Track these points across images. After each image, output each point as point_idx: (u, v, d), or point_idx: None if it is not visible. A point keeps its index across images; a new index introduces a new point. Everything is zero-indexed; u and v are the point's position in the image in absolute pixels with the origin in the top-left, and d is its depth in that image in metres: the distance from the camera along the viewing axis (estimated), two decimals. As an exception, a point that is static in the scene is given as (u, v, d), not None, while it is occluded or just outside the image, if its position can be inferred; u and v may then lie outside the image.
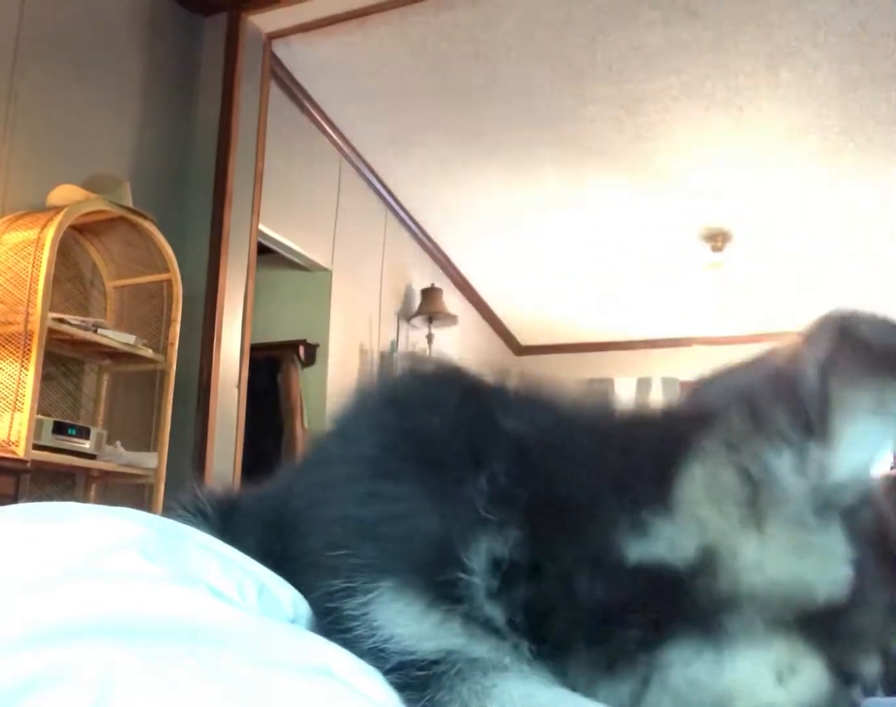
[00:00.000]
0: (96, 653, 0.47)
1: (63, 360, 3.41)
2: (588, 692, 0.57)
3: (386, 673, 0.58)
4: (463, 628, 0.59)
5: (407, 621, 0.59)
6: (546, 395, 0.71)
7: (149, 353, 3.46)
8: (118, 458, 3.39)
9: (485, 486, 0.60)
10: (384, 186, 5.64)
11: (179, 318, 3.53)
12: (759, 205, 5.71)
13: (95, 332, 3.29)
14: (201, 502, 0.91)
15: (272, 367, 4.80)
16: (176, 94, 4.10)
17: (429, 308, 5.92)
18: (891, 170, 5.16)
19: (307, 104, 4.81)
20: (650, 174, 5.37)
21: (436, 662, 0.58)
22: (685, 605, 0.56)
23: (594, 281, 6.97)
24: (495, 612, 0.59)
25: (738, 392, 0.60)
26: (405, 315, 5.99)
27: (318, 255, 4.97)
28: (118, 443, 3.43)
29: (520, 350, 8.44)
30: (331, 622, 0.62)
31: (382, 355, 5.55)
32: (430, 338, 5.99)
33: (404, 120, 4.92)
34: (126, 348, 3.39)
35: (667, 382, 8.23)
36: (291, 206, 4.73)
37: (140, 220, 3.42)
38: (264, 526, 0.80)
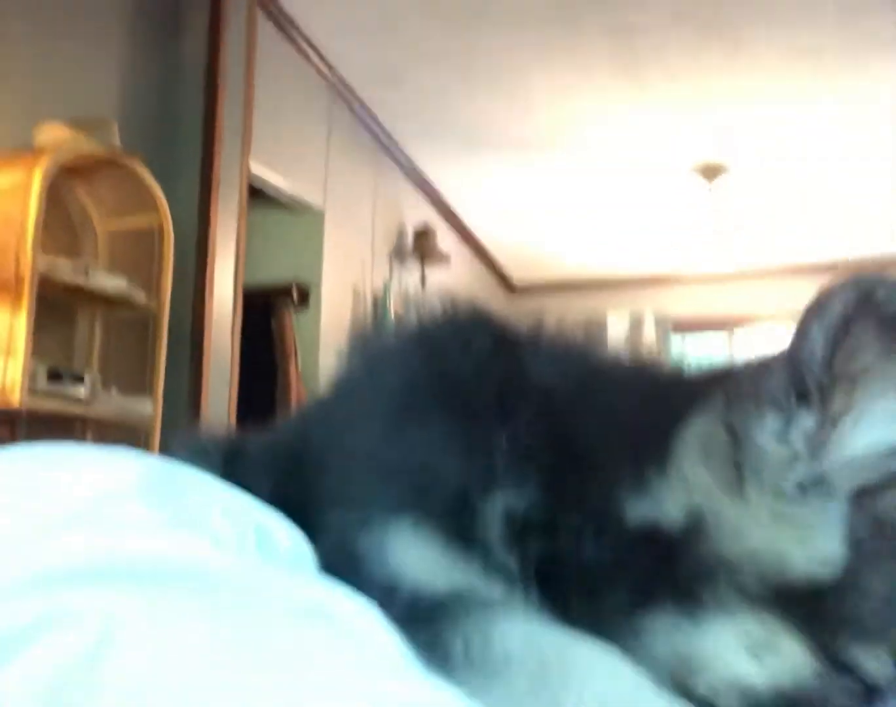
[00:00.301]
0: (98, 597, 0.48)
1: (55, 307, 3.36)
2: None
3: (391, 609, 0.57)
4: (477, 570, 0.59)
5: (421, 556, 0.60)
6: (575, 346, 0.70)
7: (141, 297, 3.43)
8: (113, 404, 3.39)
9: (506, 443, 0.60)
10: (376, 122, 5.54)
11: (171, 262, 3.48)
12: (754, 136, 5.65)
13: (86, 276, 3.24)
14: (203, 443, 0.90)
15: (265, 309, 4.76)
16: (161, 29, 3.98)
17: (422, 248, 5.89)
18: (889, 94, 5.10)
19: (296, 36, 4.69)
20: (644, 105, 5.30)
21: (444, 601, 0.58)
22: (670, 572, 0.56)
23: (587, 217, 6.93)
24: (509, 560, 0.59)
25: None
26: (398, 256, 5.94)
27: (310, 196, 4.90)
28: (113, 389, 3.42)
29: (513, 289, 8.42)
30: (343, 559, 0.62)
31: (376, 297, 5.52)
32: (423, 278, 5.95)
33: (396, 51, 4.81)
34: (118, 292, 3.35)
35: (659, 319, 8.25)
36: (282, 145, 4.64)
37: (129, 161, 3.35)
38: (274, 466, 0.80)
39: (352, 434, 0.71)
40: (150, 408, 3.43)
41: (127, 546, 0.53)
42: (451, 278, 6.36)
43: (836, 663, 0.54)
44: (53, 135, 3.12)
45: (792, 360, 0.54)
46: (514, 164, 6.05)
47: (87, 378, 3.28)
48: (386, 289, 5.64)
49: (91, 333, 3.58)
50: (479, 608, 0.57)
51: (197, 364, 3.88)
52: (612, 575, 0.57)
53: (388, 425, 0.67)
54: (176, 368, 3.65)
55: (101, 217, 3.54)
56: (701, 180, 6.21)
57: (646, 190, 6.47)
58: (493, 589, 0.59)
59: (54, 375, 3.14)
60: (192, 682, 0.45)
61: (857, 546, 0.54)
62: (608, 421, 0.62)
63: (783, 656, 0.54)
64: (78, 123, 3.25)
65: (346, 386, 0.80)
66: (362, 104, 5.36)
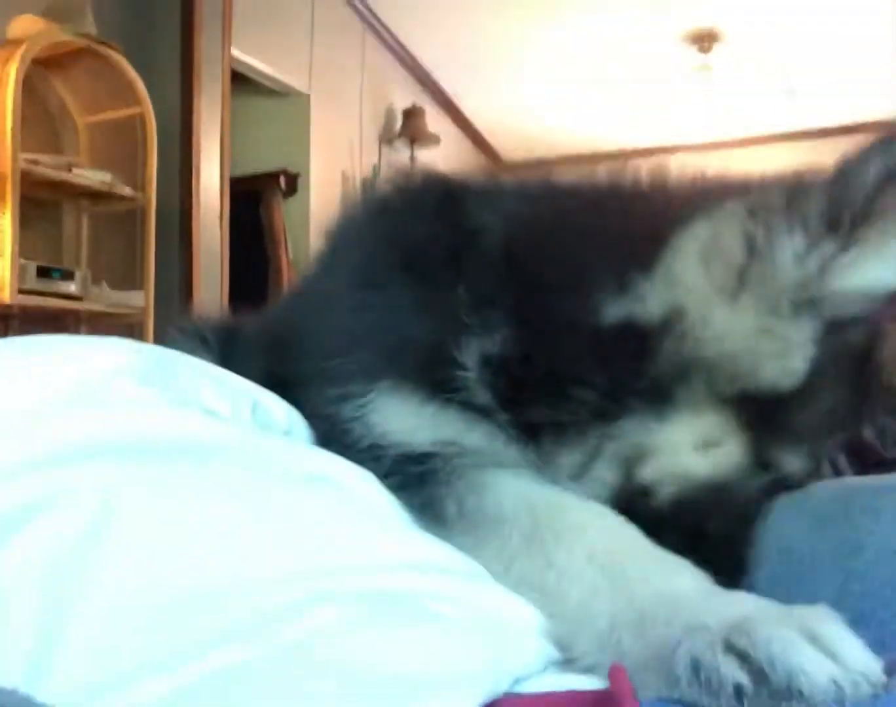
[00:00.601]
0: (95, 473, 0.49)
1: (40, 204, 3.32)
2: (550, 465, 0.62)
3: (384, 476, 0.61)
4: (457, 416, 0.63)
5: (402, 416, 0.63)
6: (537, 184, 0.73)
7: (127, 190, 3.38)
8: (105, 298, 3.40)
9: (464, 295, 0.63)
10: (361, 1, 5.33)
11: (155, 154, 3.41)
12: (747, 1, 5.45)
13: (70, 171, 3.20)
14: (200, 329, 0.93)
15: (253, 198, 4.70)
16: None
17: (411, 130, 5.76)
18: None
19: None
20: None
21: (431, 456, 0.62)
22: (646, 367, 0.59)
23: (577, 91, 6.75)
24: (487, 397, 0.63)
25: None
26: (387, 138, 5.82)
27: (294, 80, 4.76)
28: (104, 283, 3.42)
29: (504, 166, 8.29)
30: (329, 430, 0.65)
31: (365, 181, 5.45)
32: (412, 160, 5.86)
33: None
34: (103, 187, 3.31)
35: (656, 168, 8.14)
36: (264, 27, 4.47)
37: (106, 51, 3.24)
38: (265, 350, 0.83)
39: (321, 312, 0.74)
40: (141, 300, 3.44)
41: (122, 423, 0.55)
42: (441, 159, 6.25)
43: (763, 462, 0.61)
44: (27, 26, 3.01)
45: (837, 188, 0.56)
46: (502, 38, 5.85)
47: (77, 274, 3.28)
48: (375, 172, 5.56)
49: (78, 229, 3.55)
50: (467, 468, 0.61)
51: (187, 255, 3.87)
52: (588, 373, 0.60)
53: (353, 298, 0.70)
54: (166, 260, 3.65)
55: (81, 110, 3.46)
56: (693, 49, 6.04)
57: (637, 60, 6.29)
58: (474, 432, 0.63)
59: (44, 272, 3.14)
60: (193, 544, 0.46)
61: (816, 366, 0.59)
62: (583, 238, 0.64)
63: (725, 453, 0.59)
64: (52, 11, 3.13)
65: (318, 265, 0.83)
66: (346, -18, 5.15)
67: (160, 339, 0.95)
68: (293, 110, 4.86)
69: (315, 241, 4.91)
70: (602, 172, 0.70)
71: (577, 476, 0.62)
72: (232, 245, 4.13)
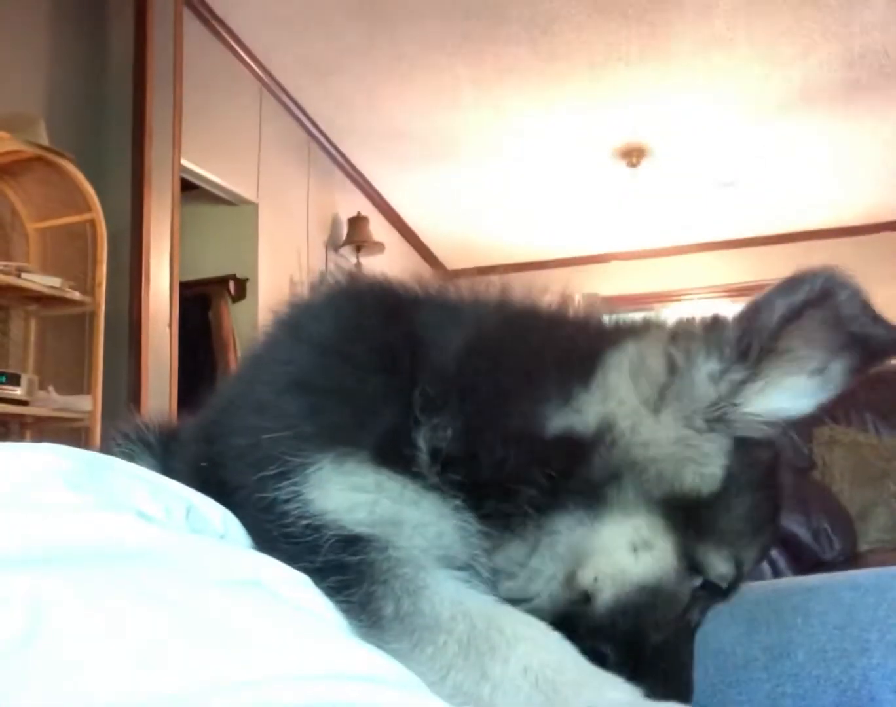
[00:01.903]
0: (25, 582, 0.48)
1: (-13, 308, 3.34)
2: (496, 552, 0.65)
3: (321, 572, 0.60)
4: (404, 486, 0.63)
5: (343, 490, 0.63)
6: (488, 301, 0.76)
7: (76, 295, 3.39)
8: (51, 403, 3.35)
9: (417, 396, 0.66)
10: (306, 115, 5.55)
11: (105, 259, 3.45)
12: (672, 119, 5.82)
13: (19, 276, 3.20)
14: (143, 433, 0.91)
15: (202, 303, 4.75)
16: (87, 26, 3.94)
17: (356, 237, 5.91)
18: (794, 78, 5.31)
19: (223, 32, 4.68)
20: (566, 92, 5.41)
21: (368, 542, 0.61)
22: (581, 471, 0.64)
23: (515, 202, 7.03)
24: (435, 477, 0.64)
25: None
26: (333, 245, 5.97)
27: (242, 189, 4.90)
28: (51, 388, 3.38)
29: (447, 275, 8.46)
30: (264, 518, 0.64)
31: (312, 286, 5.54)
32: (358, 266, 5.99)
33: (323, 46, 4.83)
34: (52, 291, 3.31)
35: (589, 299, 8.37)
36: (213, 139, 4.63)
37: (58, 159, 3.31)
38: (197, 444, 0.81)
39: (261, 392, 0.72)
40: (89, 405, 3.40)
41: (52, 528, 0.53)
42: (386, 266, 6.41)
43: (693, 565, 0.66)
44: (-20, 135, 3.09)
45: (748, 321, 0.63)
46: (442, 153, 6.11)
47: (23, 378, 3.25)
48: (322, 278, 5.66)
49: (26, 333, 3.54)
50: (405, 567, 0.60)
51: (136, 359, 3.85)
52: (528, 475, 0.64)
53: (299, 377, 0.69)
54: (115, 364, 3.63)
55: (32, 216, 3.51)
56: (623, 164, 6.38)
57: (571, 175, 6.60)
58: (421, 508, 0.63)
59: (-11, 377, 3.11)
60: (120, 656, 0.45)
61: (731, 476, 0.65)
62: (532, 356, 0.69)
63: (656, 554, 0.64)
64: (4, 122, 3.21)
65: (253, 358, 0.83)
66: (291, 98, 5.36)
67: (107, 445, 0.93)
68: (242, 218, 4.98)
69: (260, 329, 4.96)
70: (546, 292, 0.78)
71: (521, 565, 0.65)
72: (181, 349, 4.14)
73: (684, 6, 4.57)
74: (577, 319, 0.75)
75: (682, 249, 8.45)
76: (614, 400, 0.65)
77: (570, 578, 0.65)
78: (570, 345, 0.70)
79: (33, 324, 3.56)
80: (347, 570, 0.60)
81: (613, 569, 0.64)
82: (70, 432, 3.43)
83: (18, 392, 3.20)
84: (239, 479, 0.68)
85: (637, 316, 0.74)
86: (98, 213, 3.44)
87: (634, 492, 0.64)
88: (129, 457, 0.86)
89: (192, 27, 4.40)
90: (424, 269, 8.03)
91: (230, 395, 0.80)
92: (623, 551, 0.64)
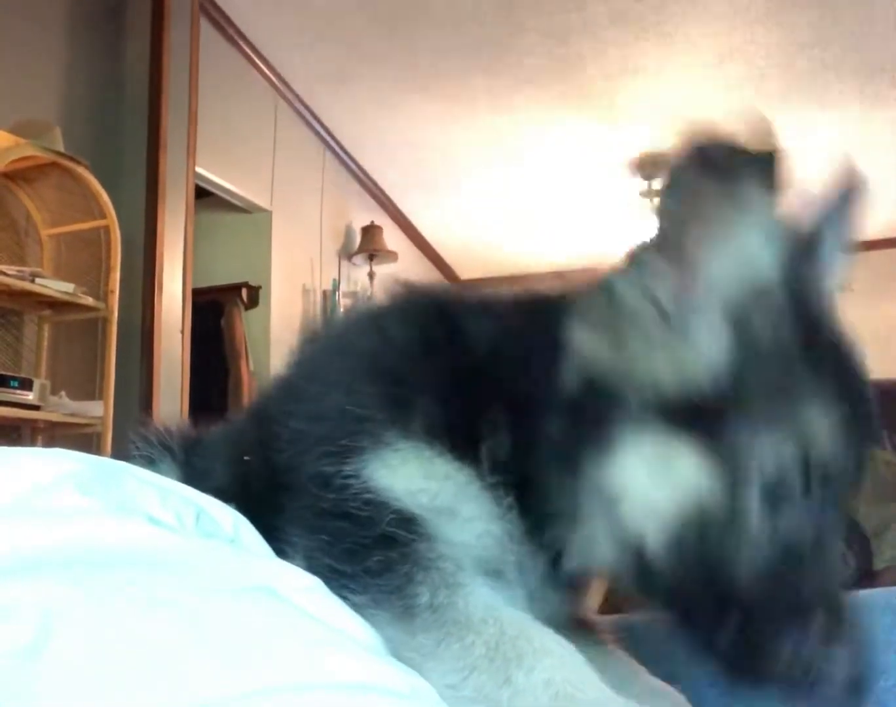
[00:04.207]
0: (35, 589, 0.48)
1: (1, 312, 3.35)
2: (542, 533, 0.65)
3: (368, 548, 0.60)
4: (465, 484, 0.64)
5: (413, 475, 0.64)
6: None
7: (89, 301, 3.41)
8: (63, 408, 3.37)
9: (479, 401, 0.66)
10: (321, 124, 5.57)
11: (119, 265, 3.47)
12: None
13: (33, 281, 3.22)
14: (165, 438, 0.91)
15: (215, 310, 4.77)
16: (104, 34, 3.96)
17: (369, 246, 5.93)
18: (811, 92, 5.29)
19: (239, 40, 4.70)
20: (582, 103, 5.41)
21: (422, 526, 0.62)
22: (586, 418, 0.63)
23: (529, 213, 7.02)
24: (492, 479, 0.64)
25: None
26: (346, 254, 5.98)
27: (256, 197, 4.92)
28: (63, 393, 3.40)
29: (459, 284, 8.48)
30: (321, 490, 0.64)
31: (325, 295, 5.56)
32: (371, 275, 6.01)
33: (339, 55, 4.85)
34: (66, 297, 3.33)
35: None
36: (228, 146, 4.65)
37: (73, 166, 3.34)
38: (241, 434, 0.82)
39: (335, 377, 0.73)
40: (100, 410, 3.41)
41: (64, 534, 0.53)
42: (400, 275, 6.40)
43: (734, 476, 0.59)
44: (-4, 141, 3.11)
45: (655, 230, 0.63)
46: (456, 163, 6.12)
47: (36, 383, 3.26)
48: (335, 287, 5.68)
49: (39, 338, 3.56)
50: (447, 562, 0.60)
51: (148, 365, 3.87)
52: (559, 447, 0.64)
53: (379, 370, 0.69)
54: (127, 371, 3.65)
55: (47, 221, 3.53)
56: (638, 175, 6.36)
57: (586, 186, 6.60)
58: (477, 503, 0.64)
59: (1, 381, 3.12)
60: (130, 664, 0.45)
61: (737, 360, 0.61)
62: (533, 357, 0.68)
63: (679, 469, 0.59)
64: (21, 129, 3.24)
65: (304, 364, 0.82)
66: (306, 106, 5.38)
67: (119, 450, 0.93)
68: (255, 225, 5.00)
69: (276, 353, 5.00)
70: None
71: (572, 534, 0.65)
72: (193, 356, 4.16)
73: (701, 18, 4.56)
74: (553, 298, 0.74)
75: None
76: (587, 354, 0.65)
77: (616, 532, 0.62)
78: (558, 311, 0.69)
79: (46, 329, 3.58)
80: (394, 548, 0.60)
81: (643, 503, 0.60)
82: (82, 438, 3.44)
83: (31, 397, 3.22)
84: (298, 458, 0.68)
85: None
86: (112, 220, 3.46)
87: (641, 408, 0.61)
88: (149, 462, 0.86)
89: (208, 35, 4.43)
90: (437, 279, 8.03)
91: (292, 381, 0.80)
92: (645, 476, 0.61)
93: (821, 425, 0.60)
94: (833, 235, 0.71)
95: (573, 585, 0.72)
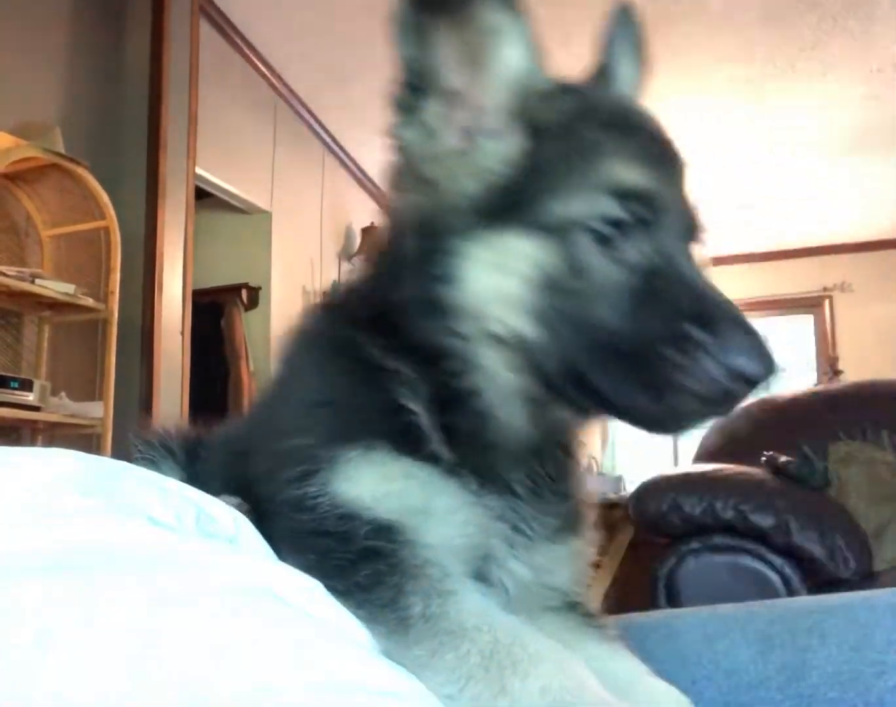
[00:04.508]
0: (35, 589, 0.48)
1: (1, 313, 3.35)
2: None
3: (355, 564, 0.61)
4: (427, 476, 0.66)
5: (372, 481, 0.65)
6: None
7: (89, 302, 3.40)
8: (63, 409, 3.36)
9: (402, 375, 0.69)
10: (321, 125, 5.57)
11: (119, 266, 3.47)
12: (687, 133, 5.80)
13: (33, 282, 3.22)
14: (166, 439, 0.93)
15: (215, 311, 4.77)
16: (104, 35, 3.96)
17: (369, 247, 5.92)
18: (811, 93, 5.29)
19: (239, 41, 4.70)
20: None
21: (402, 533, 0.62)
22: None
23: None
24: (441, 447, 0.67)
25: None
26: (346, 255, 5.98)
27: (256, 197, 4.92)
28: (63, 394, 3.40)
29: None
30: (298, 513, 0.65)
31: (325, 296, 5.55)
32: (371, 276, 6.00)
33: (338, 56, 4.84)
34: (66, 298, 3.33)
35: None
36: (228, 148, 4.65)
37: (73, 167, 3.34)
38: (231, 455, 0.83)
39: (280, 407, 0.77)
40: (100, 411, 3.41)
41: (64, 535, 0.53)
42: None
43: (571, 219, 0.64)
44: (-4, 142, 3.11)
45: (404, 72, 0.70)
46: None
47: (36, 384, 3.26)
48: (335, 287, 5.66)
49: (39, 339, 3.55)
50: (433, 568, 0.61)
51: (148, 366, 3.86)
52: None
53: (308, 388, 0.74)
54: (127, 371, 3.65)
55: (47, 222, 3.53)
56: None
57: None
58: (445, 494, 0.65)
59: (1, 382, 3.12)
60: (129, 665, 0.45)
61: (530, 146, 0.67)
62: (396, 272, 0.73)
63: (516, 256, 0.64)
64: (21, 130, 3.24)
65: (279, 374, 0.85)
66: (306, 107, 5.39)
67: (119, 451, 0.94)
68: (255, 226, 5.00)
69: (276, 354, 4.97)
70: None
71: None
72: (193, 357, 4.16)
73: (702, 20, 4.56)
74: None
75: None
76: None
77: (500, 344, 0.66)
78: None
79: (46, 330, 3.57)
80: (380, 560, 0.61)
81: (504, 300, 0.64)
82: (82, 438, 3.44)
83: (31, 398, 3.22)
84: (272, 487, 0.69)
85: None
86: (112, 221, 3.46)
87: (463, 234, 0.66)
88: (151, 463, 0.88)
89: (208, 36, 4.43)
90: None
91: (257, 417, 0.84)
92: (494, 281, 0.65)
93: (619, 169, 0.65)
94: (621, 47, 0.84)
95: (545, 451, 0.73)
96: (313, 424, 0.69)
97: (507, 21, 0.69)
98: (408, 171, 0.71)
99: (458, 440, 0.68)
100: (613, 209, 0.63)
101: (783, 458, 2.95)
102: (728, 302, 0.62)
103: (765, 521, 2.65)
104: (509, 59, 0.69)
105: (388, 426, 0.67)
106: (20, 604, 0.47)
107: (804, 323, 8.58)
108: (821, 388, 4.21)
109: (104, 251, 3.48)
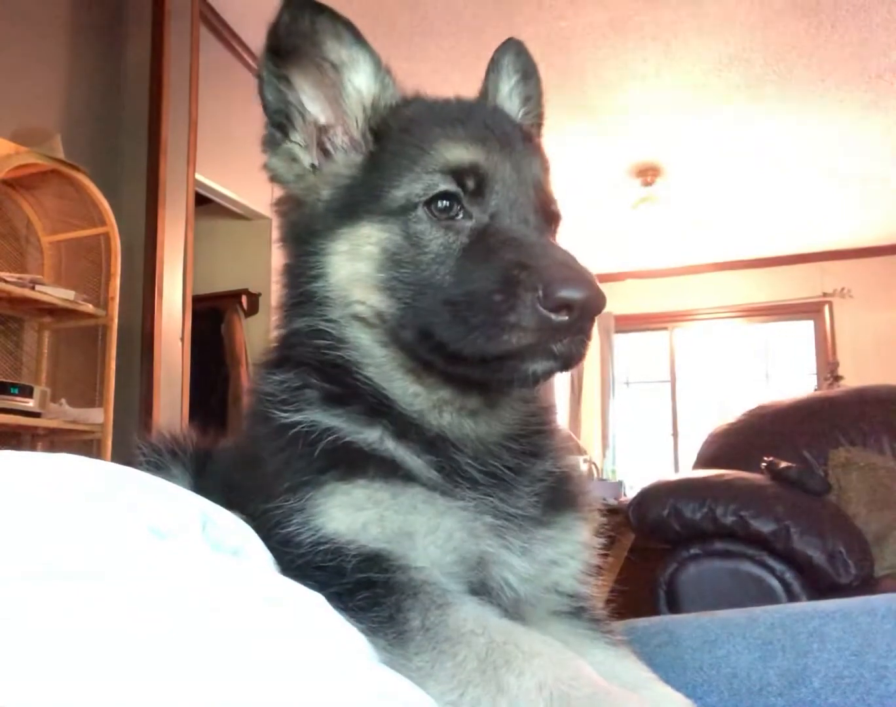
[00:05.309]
0: (42, 595, 0.48)
1: (1, 319, 3.35)
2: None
3: (351, 592, 0.62)
4: (398, 495, 0.67)
5: (347, 512, 0.67)
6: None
7: (89, 308, 3.40)
8: (63, 414, 3.36)
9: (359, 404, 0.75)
10: (319, 131, 5.58)
11: (119, 272, 3.47)
12: (687, 138, 5.81)
13: (33, 288, 3.22)
14: (172, 444, 0.95)
15: (215, 317, 4.77)
16: (103, 41, 3.96)
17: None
18: (810, 99, 5.30)
19: (238, 47, 4.71)
20: (582, 110, 5.42)
21: (392, 561, 0.64)
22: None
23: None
24: (410, 456, 0.71)
25: None
26: (345, 260, 5.98)
27: (256, 203, 4.92)
28: (63, 400, 3.40)
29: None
30: (287, 548, 0.67)
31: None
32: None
33: (338, 62, 4.86)
34: (66, 304, 3.33)
35: (601, 317, 8.39)
36: (227, 153, 4.65)
37: (73, 173, 3.34)
38: (230, 480, 0.85)
39: (254, 452, 0.79)
40: (100, 417, 3.41)
41: (69, 542, 0.53)
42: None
43: (392, 211, 0.75)
44: (-4, 149, 3.11)
45: (266, 108, 0.80)
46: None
47: (36, 390, 3.26)
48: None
49: (40, 345, 3.55)
50: (429, 585, 0.62)
51: (148, 372, 3.86)
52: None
53: (276, 431, 0.76)
54: (127, 377, 3.64)
55: (46, 228, 3.53)
56: (637, 182, 6.38)
57: (585, 192, 6.61)
58: (422, 511, 0.67)
59: (1, 388, 3.11)
60: (136, 678, 0.45)
61: (380, 147, 0.78)
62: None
63: (363, 242, 0.75)
64: (21, 136, 3.24)
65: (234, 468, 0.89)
66: (307, 112, 5.40)
67: (119, 457, 0.95)
68: (255, 232, 5.00)
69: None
70: None
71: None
72: (193, 363, 4.16)
73: (701, 25, 4.57)
74: None
75: (697, 268, 8.43)
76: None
77: (364, 326, 0.76)
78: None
79: (47, 336, 3.57)
80: (374, 586, 0.62)
81: (362, 281, 0.74)
82: (82, 444, 3.44)
83: (31, 404, 3.21)
84: (262, 528, 0.71)
85: None
86: (112, 227, 3.46)
87: (323, 232, 0.77)
88: (156, 467, 0.90)
89: (208, 42, 4.43)
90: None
91: (233, 470, 0.88)
92: (353, 267, 0.74)
93: (448, 150, 0.75)
94: (501, 70, 1.01)
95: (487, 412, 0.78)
96: (277, 471, 0.73)
97: (352, 54, 0.80)
98: (283, 197, 0.83)
99: (407, 443, 0.72)
100: (445, 184, 0.73)
101: (783, 464, 2.95)
102: (551, 245, 0.69)
103: (765, 526, 2.65)
104: (359, 84, 0.80)
105: (345, 455, 0.70)
106: (25, 610, 0.47)
107: (804, 329, 8.60)
108: (821, 393, 4.22)
109: (104, 257, 3.48)
